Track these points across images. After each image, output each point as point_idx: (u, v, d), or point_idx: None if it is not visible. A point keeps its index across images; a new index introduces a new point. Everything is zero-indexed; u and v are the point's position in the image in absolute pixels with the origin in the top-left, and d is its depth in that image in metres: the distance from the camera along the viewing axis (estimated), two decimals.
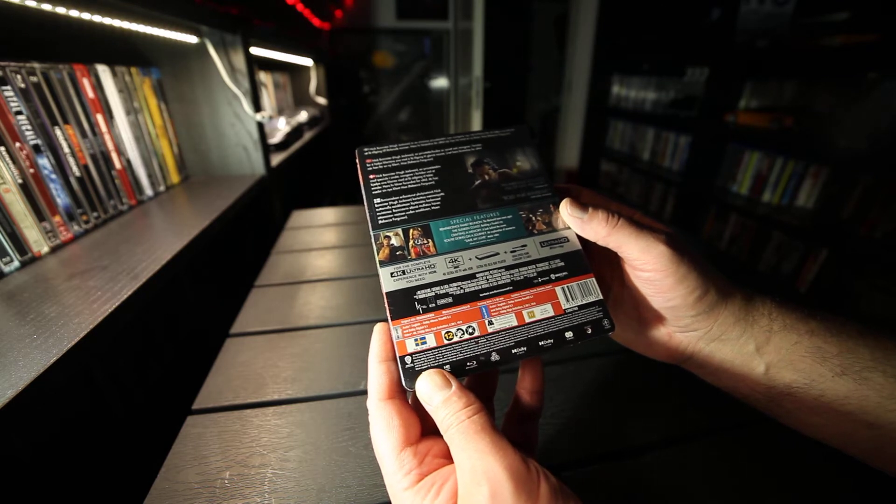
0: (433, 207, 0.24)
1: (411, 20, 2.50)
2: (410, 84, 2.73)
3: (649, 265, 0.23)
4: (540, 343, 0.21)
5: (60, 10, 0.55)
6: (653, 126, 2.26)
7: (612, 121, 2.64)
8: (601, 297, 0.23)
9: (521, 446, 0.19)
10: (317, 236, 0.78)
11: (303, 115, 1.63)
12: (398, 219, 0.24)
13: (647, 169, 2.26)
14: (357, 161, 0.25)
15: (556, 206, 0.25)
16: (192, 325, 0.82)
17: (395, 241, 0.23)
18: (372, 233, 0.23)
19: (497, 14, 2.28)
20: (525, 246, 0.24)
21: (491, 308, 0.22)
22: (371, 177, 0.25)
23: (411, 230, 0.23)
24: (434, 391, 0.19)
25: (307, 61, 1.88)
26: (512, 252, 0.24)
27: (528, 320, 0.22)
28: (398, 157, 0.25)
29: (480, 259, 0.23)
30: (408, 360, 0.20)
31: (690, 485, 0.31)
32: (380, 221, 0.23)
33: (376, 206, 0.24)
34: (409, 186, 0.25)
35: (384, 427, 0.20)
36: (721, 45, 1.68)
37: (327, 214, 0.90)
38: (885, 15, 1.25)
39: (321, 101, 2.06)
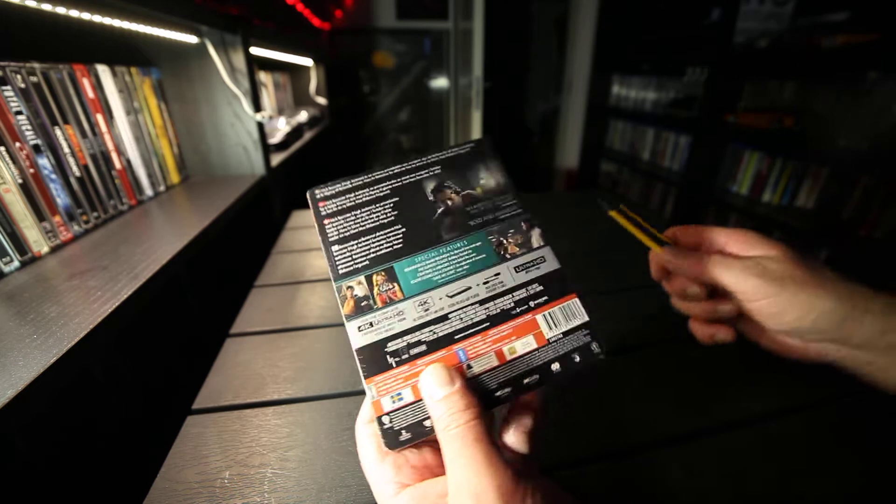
0: (395, 247, 0.22)
1: (411, 20, 2.49)
2: (410, 84, 2.72)
3: (748, 297, 0.24)
4: (525, 381, 0.20)
5: (60, 10, 0.55)
6: (653, 126, 2.26)
7: (612, 121, 2.63)
8: (587, 318, 0.21)
9: (517, 456, 0.19)
10: (317, 236, 0.78)
11: (303, 115, 1.63)
12: (359, 265, 0.22)
13: (647, 169, 2.26)
14: (310, 205, 0.23)
15: (529, 222, 0.23)
16: (192, 324, 0.82)
17: (358, 291, 0.21)
18: (334, 285, 0.22)
19: (497, 14, 2.27)
20: (498, 274, 0.22)
21: (468, 350, 0.20)
22: (325, 222, 0.23)
23: (374, 276, 0.22)
24: (436, 386, 0.19)
25: (307, 61, 1.88)
26: (485, 283, 0.22)
27: (509, 357, 0.20)
28: (352, 194, 0.23)
29: (451, 297, 0.21)
30: (385, 420, 0.19)
31: (681, 485, 0.31)
32: (340, 271, 0.22)
33: (334, 254, 0.22)
34: (368, 226, 0.23)
35: (364, 444, 0.21)
36: (721, 45, 1.68)
37: None
38: (885, 15, 1.24)
39: (321, 101, 2.06)
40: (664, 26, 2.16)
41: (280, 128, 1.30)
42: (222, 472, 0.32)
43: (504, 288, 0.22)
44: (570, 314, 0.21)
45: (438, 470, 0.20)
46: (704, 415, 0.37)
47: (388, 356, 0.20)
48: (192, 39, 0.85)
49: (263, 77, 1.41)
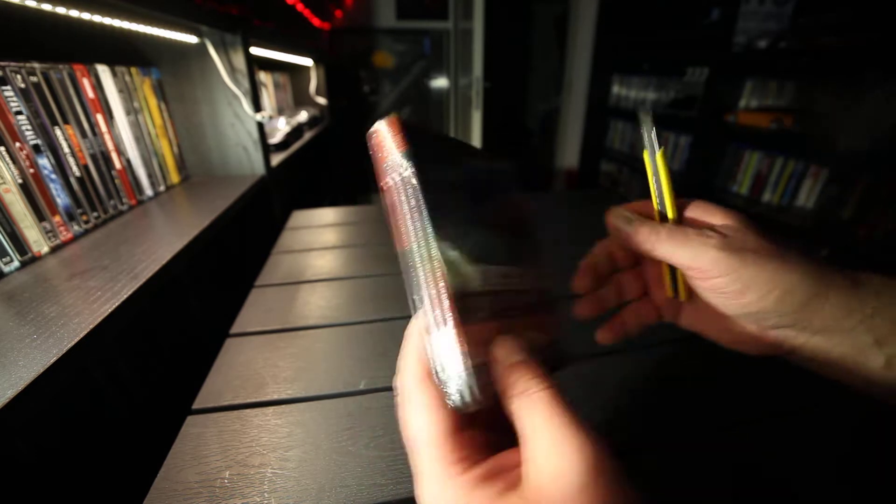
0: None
1: (411, 20, 2.49)
2: (410, 84, 2.73)
3: (706, 274, 0.21)
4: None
5: (60, 10, 0.55)
6: (653, 126, 2.26)
7: (612, 121, 2.63)
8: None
9: None
10: (317, 236, 0.78)
11: (303, 115, 1.63)
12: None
13: None
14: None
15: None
16: (192, 324, 0.82)
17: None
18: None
19: (497, 14, 2.27)
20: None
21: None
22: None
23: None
24: (514, 350, 0.17)
25: (307, 61, 1.88)
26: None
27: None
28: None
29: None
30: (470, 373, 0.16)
31: (679, 486, 0.31)
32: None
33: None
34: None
35: (428, 406, 0.16)
36: (721, 45, 1.68)
37: (327, 214, 0.90)
38: (885, 15, 1.24)
39: (321, 101, 2.06)
40: (664, 26, 2.16)
41: (280, 128, 1.30)
42: (222, 472, 0.32)
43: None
44: None
45: (498, 449, 0.17)
46: (702, 414, 0.37)
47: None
48: (192, 39, 0.85)
49: (263, 77, 1.41)
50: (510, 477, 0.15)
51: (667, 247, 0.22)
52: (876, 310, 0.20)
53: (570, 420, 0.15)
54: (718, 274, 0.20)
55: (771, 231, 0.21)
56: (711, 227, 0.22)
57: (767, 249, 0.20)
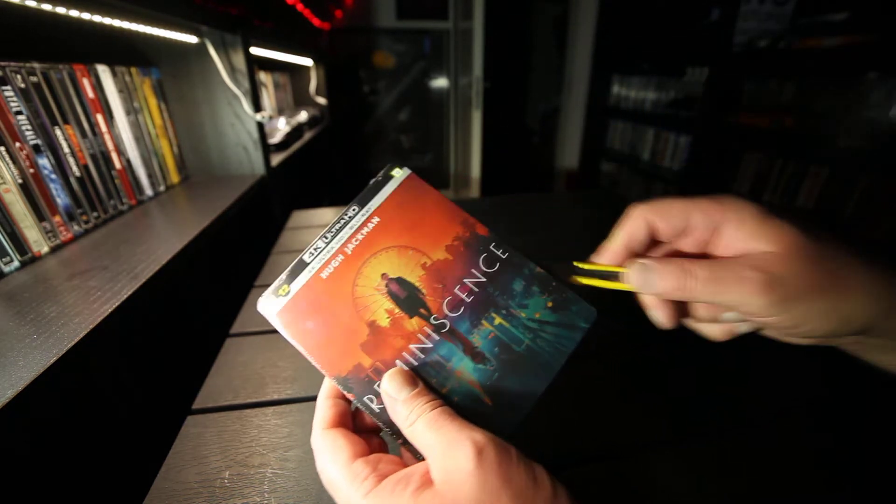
0: None
1: (411, 20, 2.49)
2: (410, 84, 2.73)
3: (753, 315, 0.19)
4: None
5: (60, 10, 0.55)
6: (653, 126, 2.26)
7: (612, 121, 2.63)
8: None
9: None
10: (317, 236, 0.78)
11: (303, 115, 1.63)
12: None
13: (647, 169, 2.26)
14: None
15: None
16: (192, 325, 0.82)
17: None
18: None
19: (497, 14, 2.27)
20: None
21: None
22: None
23: None
24: (402, 386, 0.20)
25: (307, 61, 1.88)
26: None
27: None
28: None
29: None
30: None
31: (676, 486, 0.31)
32: None
33: None
34: None
35: (330, 449, 0.20)
36: (721, 45, 1.68)
37: (327, 214, 0.90)
38: (885, 15, 1.24)
39: (321, 101, 2.06)
40: (664, 26, 2.16)
41: (280, 128, 1.30)
42: (222, 472, 0.32)
43: None
44: None
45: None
46: (700, 416, 0.37)
47: None
48: (192, 39, 0.85)
49: (263, 77, 1.41)
50: (420, 480, 0.18)
51: (707, 293, 0.19)
52: None
53: (455, 427, 0.18)
54: (768, 315, 0.18)
55: (827, 241, 0.19)
56: (754, 260, 0.19)
57: (820, 282, 0.18)
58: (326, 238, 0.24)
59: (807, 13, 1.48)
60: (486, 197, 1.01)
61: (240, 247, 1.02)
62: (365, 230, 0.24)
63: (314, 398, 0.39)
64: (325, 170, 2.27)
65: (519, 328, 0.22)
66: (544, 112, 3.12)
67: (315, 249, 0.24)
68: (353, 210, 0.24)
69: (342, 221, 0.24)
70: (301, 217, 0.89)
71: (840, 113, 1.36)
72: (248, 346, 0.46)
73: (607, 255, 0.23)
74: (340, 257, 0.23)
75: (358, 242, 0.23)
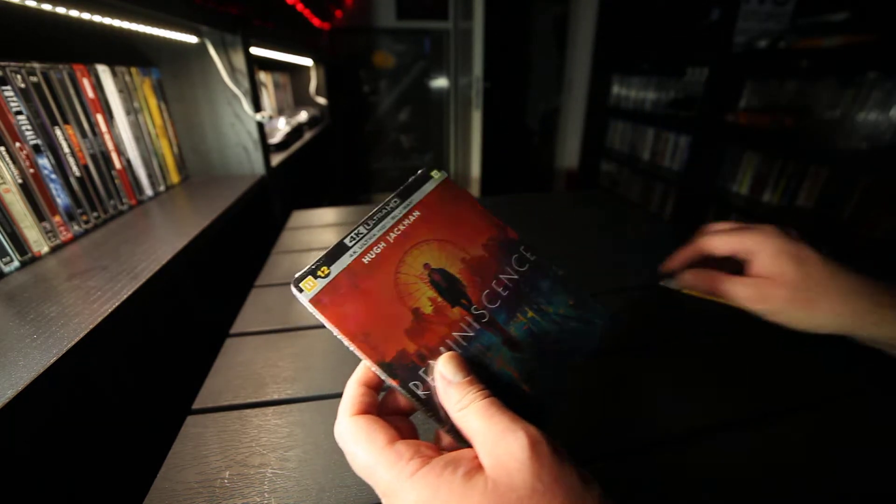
0: None
1: (411, 20, 2.49)
2: (410, 84, 2.73)
3: (776, 317, 0.32)
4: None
5: (60, 10, 0.55)
6: (653, 126, 2.26)
7: (612, 121, 2.63)
8: None
9: None
10: (317, 236, 0.78)
11: (303, 115, 1.63)
12: None
13: (647, 169, 2.26)
14: None
15: None
16: (192, 324, 0.82)
17: None
18: None
19: (497, 14, 2.27)
20: None
21: None
22: None
23: None
24: (458, 370, 0.20)
25: (307, 61, 1.88)
26: None
27: None
28: None
29: None
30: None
31: (686, 484, 0.31)
32: None
33: None
34: None
35: (365, 433, 0.19)
36: (721, 45, 1.68)
37: (327, 214, 0.90)
38: (885, 15, 1.25)
39: (321, 101, 2.06)
40: (664, 26, 2.16)
41: (280, 128, 1.30)
42: (222, 472, 0.32)
43: None
44: None
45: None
46: (709, 414, 0.37)
47: None
48: (192, 39, 0.85)
49: (263, 77, 1.41)
50: (470, 464, 0.18)
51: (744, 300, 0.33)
52: None
53: (508, 417, 0.18)
54: (767, 318, 0.31)
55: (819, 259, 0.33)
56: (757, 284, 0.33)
57: (794, 299, 0.31)
58: (368, 225, 0.24)
59: (807, 13, 1.48)
60: (486, 197, 1.01)
61: (240, 247, 1.02)
62: (406, 222, 0.24)
63: (314, 398, 0.39)
64: (325, 170, 2.27)
65: (548, 322, 0.24)
66: (544, 112, 3.12)
67: (356, 234, 0.24)
68: (395, 202, 0.25)
69: (384, 211, 0.25)
70: (301, 217, 0.89)
71: (840, 113, 1.36)
72: (248, 346, 0.46)
73: (677, 260, 0.40)
74: (383, 244, 0.23)
75: (399, 232, 0.24)
